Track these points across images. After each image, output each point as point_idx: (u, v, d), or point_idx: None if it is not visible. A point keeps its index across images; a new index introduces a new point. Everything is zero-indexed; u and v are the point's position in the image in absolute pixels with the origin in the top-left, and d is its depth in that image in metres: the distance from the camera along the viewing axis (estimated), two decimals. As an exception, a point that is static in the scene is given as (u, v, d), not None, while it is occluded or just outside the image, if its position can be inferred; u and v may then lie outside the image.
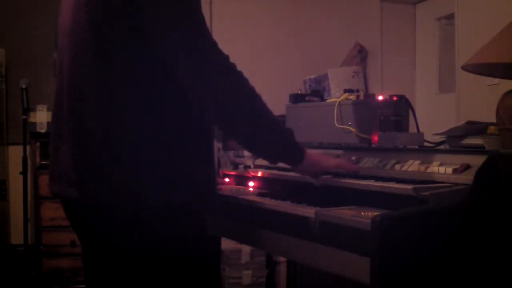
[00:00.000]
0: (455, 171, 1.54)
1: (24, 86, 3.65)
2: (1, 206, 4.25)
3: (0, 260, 3.75)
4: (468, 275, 1.42)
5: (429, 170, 1.61)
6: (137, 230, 1.47)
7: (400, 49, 4.17)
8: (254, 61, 4.18)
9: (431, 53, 4.04)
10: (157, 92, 1.46)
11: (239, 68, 1.53)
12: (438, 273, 1.37)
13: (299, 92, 2.54)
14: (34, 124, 3.95)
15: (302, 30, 4.52)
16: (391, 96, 2.01)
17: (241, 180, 2.20)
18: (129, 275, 1.50)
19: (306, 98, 2.33)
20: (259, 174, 2.11)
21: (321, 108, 2.16)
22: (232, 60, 1.52)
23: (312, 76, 4.21)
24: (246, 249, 3.83)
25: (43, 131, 3.91)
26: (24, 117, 3.67)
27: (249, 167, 2.20)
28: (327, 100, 2.23)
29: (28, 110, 3.69)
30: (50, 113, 1.68)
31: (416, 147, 1.91)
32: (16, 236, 4.07)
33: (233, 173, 2.26)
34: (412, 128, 2.08)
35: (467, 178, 1.48)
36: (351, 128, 1.98)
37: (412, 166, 1.67)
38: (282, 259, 3.79)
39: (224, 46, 1.54)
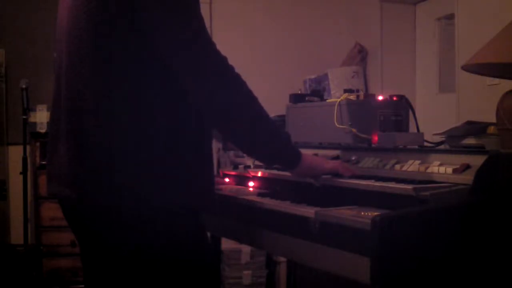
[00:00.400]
0: (455, 171, 1.54)
1: (24, 86, 3.65)
2: (1, 206, 4.25)
3: (0, 260, 3.75)
4: (468, 275, 1.42)
5: (429, 170, 1.61)
6: (136, 230, 1.47)
7: (400, 49, 4.17)
8: (254, 61, 4.18)
9: (431, 53, 4.04)
10: (156, 92, 1.46)
11: (238, 69, 1.53)
12: (438, 273, 1.37)
13: (299, 92, 2.54)
14: (34, 124, 3.95)
15: (302, 30, 4.52)
16: (391, 96, 2.01)
17: (241, 180, 2.20)
18: (128, 275, 1.50)
19: (306, 98, 2.33)
20: (259, 174, 2.11)
21: (321, 108, 2.16)
22: (232, 60, 1.52)
23: (312, 76, 4.21)
24: (246, 249, 3.83)
25: (43, 131, 3.90)
26: (24, 117, 3.67)
27: (249, 167, 2.20)
28: (327, 100, 2.23)
29: (28, 110, 3.69)
30: (50, 114, 1.67)
31: (416, 147, 1.91)
32: (16, 236, 4.07)
33: (233, 173, 2.27)
34: (412, 128, 2.08)
35: (467, 178, 1.48)
36: (351, 128, 1.98)
37: (412, 166, 1.67)
38: (282, 259, 3.79)
39: (224, 46, 1.54)
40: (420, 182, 1.55)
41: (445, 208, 1.41)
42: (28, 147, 3.78)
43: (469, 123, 1.86)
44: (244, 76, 1.55)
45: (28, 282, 3.71)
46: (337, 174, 1.76)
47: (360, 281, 1.38)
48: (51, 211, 3.83)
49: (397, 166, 1.71)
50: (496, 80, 2.75)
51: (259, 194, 1.91)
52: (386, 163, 1.76)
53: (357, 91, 2.14)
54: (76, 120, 1.49)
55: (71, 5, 1.53)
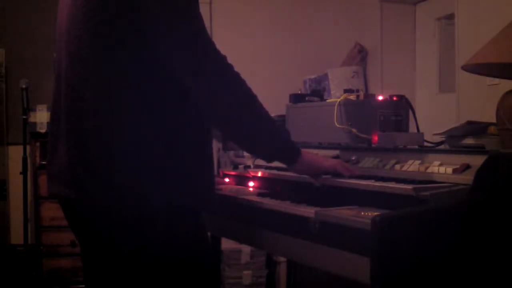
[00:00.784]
0: (455, 171, 1.54)
1: (24, 86, 3.65)
2: (1, 206, 4.24)
3: (0, 260, 3.74)
4: (468, 275, 1.42)
5: (429, 170, 1.61)
6: (136, 230, 1.47)
7: (400, 49, 4.17)
8: (254, 61, 4.18)
9: (431, 53, 4.04)
10: (155, 92, 1.46)
11: (238, 69, 1.53)
12: (438, 273, 1.37)
13: (299, 92, 2.54)
14: (34, 124, 3.95)
15: (302, 30, 4.52)
16: (391, 96, 2.01)
17: (241, 180, 2.20)
18: (128, 275, 1.50)
19: (306, 98, 2.33)
20: (259, 174, 2.11)
21: (321, 108, 2.16)
22: (231, 60, 1.52)
23: (312, 76, 4.21)
24: (246, 249, 3.83)
25: (43, 131, 3.90)
26: (24, 117, 3.67)
27: (249, 167, 2.20)
28: (327, 100, 2.23)
29: (28, 110, 3.69)
30: (50, 113, 1.67)
31: (416, 147, 1.91)
32: (16, 236, 4.07)
33: (233, 173, 2.27)
34: (412, 128, 2.08)
35: (467, 178, 1.48)
36: (351, 128, 1.98)
37: (412, 166, 1.67)
38: (282, 259, 3.79)
39: (224, 46, 1.54)
40: (420, 182, 1.55)
41: (445, 208, 1.41)
42: (28, 147, 3.78)
43: (469, 123, 1.86)
44: (244, 76, 1.55)
45: (28, 282, 3.70)
46: (336, 174, 1.76)
47: (360, 281, 1.38)
48: (51, 211, 3.83)
49: (397, 166, 1.71)
50: (496, 80, 2.75)
51: (259, 194, 1.91)
52: (386, 163, 1.76)
53: (357, 91, 2.14)
54: (76, 120, 1.49)
55: (70, 4, 1.53)
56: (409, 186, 1.49)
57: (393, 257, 1.31)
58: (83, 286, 1.70)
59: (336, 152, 1.98)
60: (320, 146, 2.11)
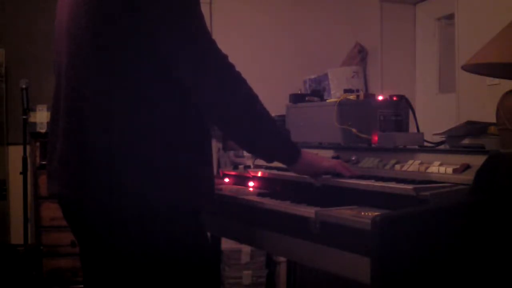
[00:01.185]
0: (455, 171, 1.54)
1: (24, 86, 3.65)
2: (1, 206, 4.24)
3: (0, 260, 3.74)
4: (469, 275, 1.42)
5: (429, 170, 1.61)
6: (135, 230, 1.47)
7: (400, 49, 4.17)
8: (254, 61, 4.18)
9: (431, 53, 4.04)
10: (156, 92, 1.46)
11: (238, 68, 1.53)
12: (439, 273, 1.37)
13: (299, 92, 2.54)
14: (34, 124, 3.95)
15: (302, 30, 4.52)
16: (391, 96, 2.01)
17: (241, 180, 2.20)
18: (128, 275, 1.50)
19: (306, 98, 2.33)
20: (259, 174, 2.11)
21: (321, 108, 2.16)
22: (232, 60, 1.52)
23: (312, 76, 4.21)
24: (246, 249, 3.83)
25: (43, 131, 3.90)
26: (24, 117, 3.67)
27: (249, 167, 2.20)
28: (327, 100, 2.23)
29: (28, 110, 3.69)
30: (50, 113, 1.67)
31: (416, 147, 1.91)
32: (16, 236, 4.07)
33: (233, 173, 2.26)
34: (412, 128, 2.08)
35: (467, 178, 1.48)
36: (351, 128, 1.98)
37: (412, 166, 1.67)
38: (282, 259, 3.79)
39: (224, 46, 1.54)
40: (420, 182, 1.55)
41: (445, 208, 1.41)
42: (28, 147, 3.78)
43: (469, 123, 1.86)
44: (244, 76, 1.55)
45: (28, 282, 3.70)
46: (336, 174, 1.76)
47: (360, 281, 1.38)
48: (51, 211, 3.83)
49: (397, 166, 1.71)
50: (496, 80, 2.75)
51: (259, 194, 1.91)
52: (386, 163, 1.76)
53: (357, 91, 2.14)
54: (76, 120, 1.49)
55: (71, 4, 1.53)
56: (409, 186, 1.49)
57: (393, 257, 1.31)
58: (83, 286, 1.70)
59: (336, 152, 1.98)
60: (320, 146, 2.11)
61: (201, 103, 1.51)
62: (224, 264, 3.84)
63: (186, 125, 1.50)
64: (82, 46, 1.49)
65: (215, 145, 1.98)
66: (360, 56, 4.29)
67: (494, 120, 1.83)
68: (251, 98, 1.55)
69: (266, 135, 1.60)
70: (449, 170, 1.55)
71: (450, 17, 3.71)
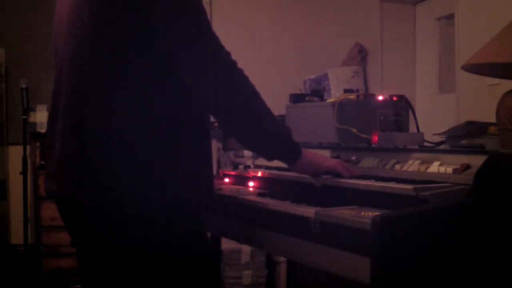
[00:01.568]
0: (455, 171, 1.54)
1: (24, 86, 3.65)
2: (1, 206, 4.25)
3: (0, 260, 3.75)
4: (469, 275, 1.41)
5: (429, 170, 1.61)
6: (134, 230, 1.46)
7: (400, 49, 4.17)
8: (254, 61, 4.17)
9: (431, 53, 4.04)
10: (157, 92, 1.46)
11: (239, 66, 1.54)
12: (439, 273, 1.37)
13: (299, 92, 2.54)
14: (34, 124, 3.95)
15: (302, 30, 4.52)
16: (391, 96, 2.01)
17: (241, 180, 2.20)
18: (126, 275, 1.50)
19: (306, 98, 2.33)
20: (259, 174, 2.11)
21: (321, 108, 2.16)
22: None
23: (312, 76, 4.21)
24: (246, 249, 3.83)
25: (43, 131, 3.90)
26: (24, 117, 3.67)
27: (249, 167, 2.20)
28: (327, 100, 2.23)
29: (28, 110, 3.69)
30: (48, 112, 1.67)
31: (416, 147, 1.91)
32: (16, 236, 4.07)
33: (233, 173, 2.26)
34: (412, 128, 2.08)
35: (467, 178, 1.48)
36: (351, 128, 1.98)
37: (412, 166, 1.67)
38: (282, 259, 3.79)
39: (224, 46, 1.54)
40: (420, 182, 1.55)
41: (445, 208, 1.41)
42: (28, 147, 3.78)
43: (469, 123, 1.86)
44: (245, 76, 1.55)
45: (28, 282, 3.70)
46: (336, 174, 1.76)
47: (360, 281, 1.38)
48: (51, 211, 3.83)
49: (397, 166, 1.71)
50: (496, 80, 2.75)
51: (259, 194, 1.91)
52: (386, 163, 1.76)
53: (357, 91, 2.14)
54: (75, 120, 1.49)
55: (71, 3, 1.53)
56: (409, 186, 1.49)
57: (393, 257, 1.31)
58: (81, 286, 1.69)
59: (336, 152, 1.98)
60: (320, 146, 2.11)
61: (203, 101, 1.51)
62: (224, 264, 3.84)
63: (186, 125, 1.50)
64: (82, 46, 1.49)
65: (215, 145, 1.98)
66: (360, 56, 4.30)
67: (494, 120, 1.83)
68: (253, 96, 1.56)
69: (267, 134, 1.61)
70: (449, 170, 1.55)
71: (450, 17, 3.71)
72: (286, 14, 4.54)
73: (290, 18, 4.54)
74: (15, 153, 4.07)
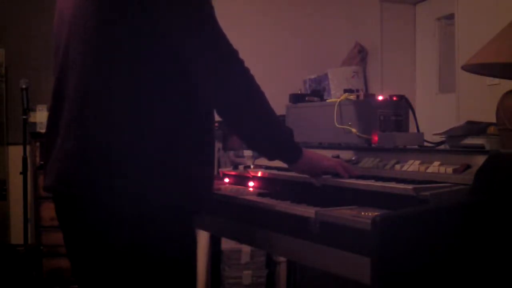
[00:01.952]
0: (455, 171, 1.54)
1: (24, 86, 3.65)
2: (1, 206, 4.25)
3: (0, 260, 3.75)
4: (468, 275, 1.41)
5: (429, 170, 1.61)
6: (134, 228, 1.45)
7: (400, 49, 4.17)
8: (254, 61, 4.16)
9: (431, 53, 4.04)
10: (157, 92, 1.46)
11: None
12: (438, 273, 1.37)
13: (299, 92, 2.54)
14: (34, 124, 3.95)
15: (302, 30, 4.52)
16: (391, 96, 2.01)
17: (241, 180, 2.20)
18: (123, 274, 1.48)
19: (306, 98, 2.33)
20: (259, 174, 2.11)
21: (321, 108, 2.16)
22: (231, 60, 1.53)
23: (312, 76, 4.21)
24: (246, 249, 3.83)
25: (43, 131, 3.88)
26: (24, 117, 3.67)
27: (249, 167, 2.20)
28: (327, 100, 2.23)
29: (28, 110, 3.69)
30: (49, 109, 1.66)
31: (416, 147, 1.91)
32: (16, 236, 4.07)
33: (233, 173, 2.26)
34: (412, 128, 2.08)
35: (467, 178, 1.48)
36: (351, 128, 1.98)
37: (412, 166, 1.67)
38: (282, 259, 3.79)
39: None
40: (420, 182, 1.55)
41: (445, 208, 1.41)
42: (28, 147, 3.78)
43: (469, 123, 1.86)
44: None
45: (28, 282, 3.71)
46: (336, 174, 1.76)
47: (360, 281, 1.38)
48: (51, 211, 3.79)
49: (397, 166, 1.71)
50: (496, 80, 2.75)
51: (259, 194, 1.91)
52: (386, 163, 1.76)
53: (357, 91, 2.14)
54: (77, 119, 1.48)
55: (73, 6, 1.52)
56: (409, 186, 1.49)
57: (393, 257, 1.31)
58: (77, 285, 1.67)
59: (336, 152, 1.98)
60: (320, 146, 2.11)
61: (208, 98, 1.52)
62: (224, 264, 3.83)
63: (187, 125, 1.50)
64: (83, 45, 1.48)
65: (215, 145, 1.98)
66: (360, 56, 4.29)
67: (494, 120, 1.83)
68: (260, 94, 1.57)
69: (270, 133, 1.61)
70: (449, 170, 1.55)
71: (450, 17, 3.71)
72: (286, 14, 4.53)
73: (290, 18, 4.53)
74: (15, 153, 4.07)
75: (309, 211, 1.56)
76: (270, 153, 1.70)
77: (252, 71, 1.59)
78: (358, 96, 2.05)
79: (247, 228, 1.89)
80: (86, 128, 1.46)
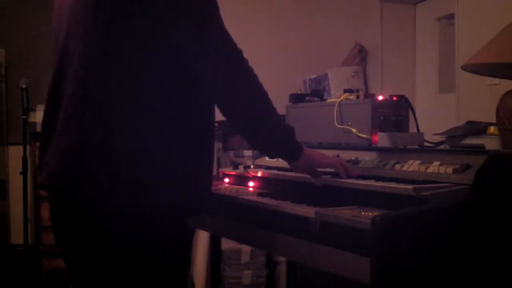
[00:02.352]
0: (455, 171, 1.54)
1: (24, 86, 3.65)
2: (1, 206, 4.25)
3: (0, 260, 3.75)
4: (468, 275, 1.42)
5: (429, 170, 1.61)
6: (132, 228, 1.44)
7: (400, 49, 4.17)
8: (254, 61, 4.16)
9: (431, 53, 4.04)
10: (157, 91, 1.46)
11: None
12: (438, 273, 1.37)
13: (299, 92, 2.54)
14: (34, 124, 3.95)
15: (302, 30, 4.52)
16: (391, 96, 2.01)
17: (241, 180, 2.20)
18: (119, 272, 1.47)
19: (306, 98, 2.33)
20: (259, 174, 2.11)
21: (321, 108, 2.16)
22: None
23: (312, 76, 4.21)
24: (246, 249, 3.83)
25: (43, 131, 3.90)
26: (24, 117, 3.68)
27: (249, 167, 2.20)
28: (327, 100, 2.23)
29: (28, 110, 3.69)
30: (45, 105, 1.65)
31: (416, 147, 1.91)
32: (16, 236, 4.07)
33: (233, 173, 2.26)
34: (412, 128, 2.08)
35: (467, 178, 1.48)
36: (351, 128, 1.98)
37: (412, 166, 1.67)
38: (282, 259, 3.79)
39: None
40: (420, 182, 1.55)
41: (445, 208, 1.41)
42: (28, 147, 3.78)
43: (469, 123, 1.86)
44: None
45: (28, 282, 3.71)
46: (336, 174, 1.76)
47: (360, 281, 1.38)
48: (51, 211, 3.83)
49: (397, 166, 1.71)
50: (496, 80, 2.75)
51: (259, 194, 1.91)
52: (386, 163, 1.76)
53: (357, 91, 2.14)
54: (74, 114, 1.47)
55: (73, 7, 1.52)
56: (409, 186, 1.49)
57: (393, 257, 1.31)
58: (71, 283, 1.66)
59: (336, 152, 1.98)
60: (320, 146, 2.11)
61: (212, 95, 1.53)
62: (224, 264, 3.84)
63: (186, 124, 1.50)
64: (83, 43, 1.48)
65: (215, 145, 1.98)
66: (360, 56, 4.29)
67: (494, 120, 1.83)
68: (264, 93, 1.59)
69: (271, 133, 1.62)
70: (449, 170, 1.55)
71: (450, 17, 3.71)
72: (286, 14, 4.53)
73: (290, 18, 4.53)
74: (15, 153, 4.07)
75: (309, 211, 1.56)
76: (271, 152, 1.71)
77: (253, 71, 1.60)
78: (358, 96, 2.05)
79: (247, 228, 1.89)
80: (84, 126, 1.45)
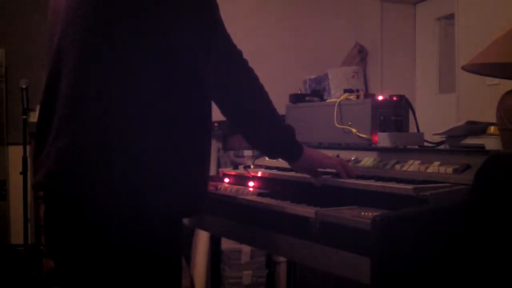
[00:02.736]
0: (455, 171, 1.54)
1: (24, 86, 3.65)
2: (1, 206, 4.25)
3: (0, 260, 3.75)
4: (468, 275, 1.42)
5: (429, 170, 1.61)
6: (129, 229, 1.44)
7: (400, 49, 4.17)
8: (254, 61, 4.16)
9: (431, 53, 4.04)
10: (155, 91, 1.46)
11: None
12: (438, 273, 1.37)
13: (299, 92, 2.54)
14: (34, 124, 3.94)
15: (302, 30, 4.52)
16: (391, 96, 2.01)
17: (241, 180, 2.20)
18: (111, 271, 1.46)
19: (306, 98, 2.33)
20: (259, 174, 2.11)
21: (321, 108, 2.16)
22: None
23: (312, 76, 4.21)
24: (246, 249, 3.83)
25: (43, 131, 3.90)
26: (24, 117, 3.67)
27: (249, 167, 2.20)
28: (327, 100, 2.23)
29: (28, 110, 3.69)
30: (41, 104, 1.65)
31: (416, 147, 1.91)
32: (16, 236, 4.07)
33: (233, 173, 2.26)
34: (412, 128, 2.08)
35: (467, 178, 1.48)
36: (351, 128, 1.98)
37: (412, 166, 1.67)
38: (282, 259, 3.79)
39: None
40: (420, 182, 1.55)
41: (445, 208, 1.41)
42: (28, 147, 3.78)
43: (469, 123, 1.86)
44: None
45: (28, 282, 3.71)
46: (336, 174, 1.76)
47: (360, 281, 1.38)
48: (51, 211, 3.83)
49: (397, 166, 1.71)
50: (496, 80, 2.75)
51: (259, 194, 1.91)
52: (386, 163, 1.76)
53: (357, 91, 2.14)
54: (71, 113, 1.46)
55: (70, 7, 1.51)
56: (409, 186, 1.49)
57: (393, 257, 1.31)
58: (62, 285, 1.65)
59: (336, 152, 1.98)
60: (320, 146, 2.11)
61: (213, 95, 1.54)
62: (224, 264, 3.84)
63: (186, 124, 1.50)
64: (84, 46, 1.47)
65: (215, 145, 1.98)
66: (360, 56, 4.29)
67: (494, 120, 1.83)
68: (264, 93, 1.59)
69: (272, 133, 1.63)
70: (449, 170, 1.55)
71: (450, 17, 3.71)
72: (286, 14, 4.53)
73: (290, 18, 4.53)
74: (15, 153, 4.07)
75: (309, 211, 1.56)
76: (271, 152, 1.72)
77: (252, 71, 1.60)
78: (358, 96, 2.05)
79: (247, 228, 1.89)
80: (81, 126, 1.44)
